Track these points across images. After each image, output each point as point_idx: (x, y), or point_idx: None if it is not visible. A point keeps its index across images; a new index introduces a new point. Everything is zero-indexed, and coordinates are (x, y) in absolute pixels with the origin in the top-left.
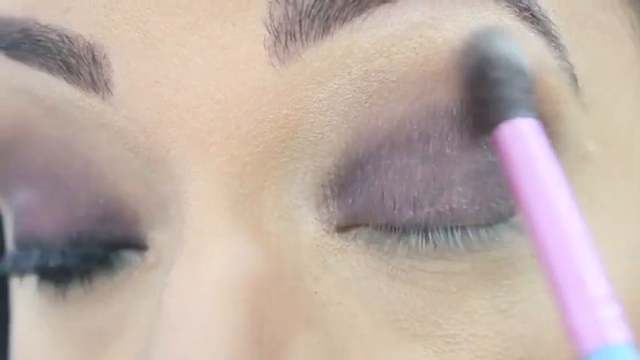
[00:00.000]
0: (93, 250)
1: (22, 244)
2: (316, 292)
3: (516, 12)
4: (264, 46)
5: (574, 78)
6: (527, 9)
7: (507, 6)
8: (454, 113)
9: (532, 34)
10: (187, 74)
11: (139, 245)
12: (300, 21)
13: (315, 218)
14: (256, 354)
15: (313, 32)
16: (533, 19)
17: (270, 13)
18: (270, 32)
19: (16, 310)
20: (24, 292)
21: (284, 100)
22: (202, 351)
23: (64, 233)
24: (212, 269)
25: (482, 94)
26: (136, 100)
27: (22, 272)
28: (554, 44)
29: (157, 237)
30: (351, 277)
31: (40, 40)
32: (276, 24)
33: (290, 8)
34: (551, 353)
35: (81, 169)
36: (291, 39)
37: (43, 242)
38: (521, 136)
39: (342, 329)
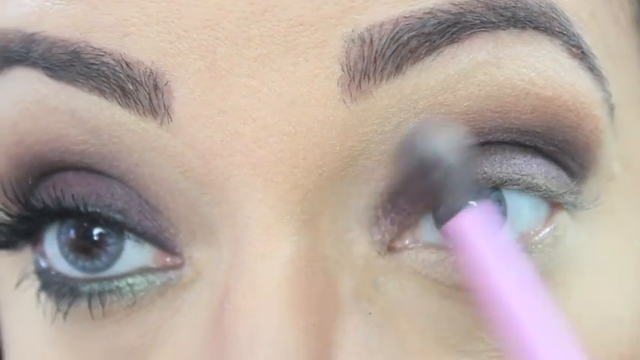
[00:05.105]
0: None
1: None
2: (370, 313)
3: (569, 50)
4: (338, 83)
5: (612, 107)
6: (579, 46)
7: (561, 44)
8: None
9: (582, 70)
10: (256, 105)
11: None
12: (374, 60)
13: (367, 240)
14: None
15: (386, 72)
16: (583, 55)
17: (346, 52)
18: (344, 71)
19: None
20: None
21: (351, 134)
22: None
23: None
24: (277, 294)
25: (423, 197)
26: (198, 127)
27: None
28: (598, 78)
29: (195, 255)
30: (402, 297)
31: (92, 64)
32: (351, 63)
33: (366, 48)
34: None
35: (122, 184)
36: (364, 78)
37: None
38: (465, 233)
39: (395, 349)
